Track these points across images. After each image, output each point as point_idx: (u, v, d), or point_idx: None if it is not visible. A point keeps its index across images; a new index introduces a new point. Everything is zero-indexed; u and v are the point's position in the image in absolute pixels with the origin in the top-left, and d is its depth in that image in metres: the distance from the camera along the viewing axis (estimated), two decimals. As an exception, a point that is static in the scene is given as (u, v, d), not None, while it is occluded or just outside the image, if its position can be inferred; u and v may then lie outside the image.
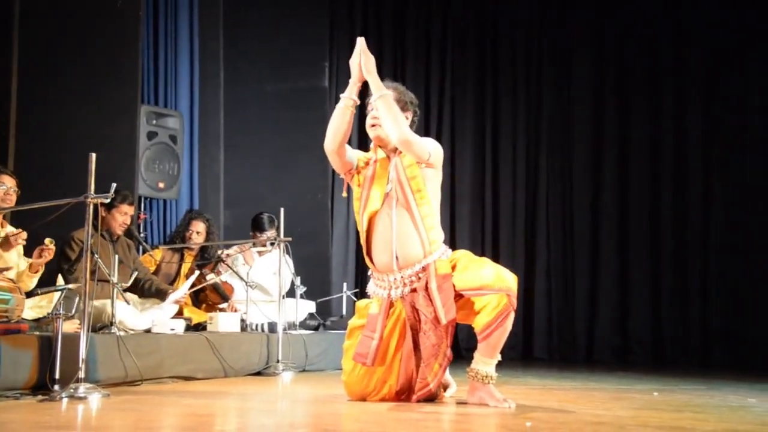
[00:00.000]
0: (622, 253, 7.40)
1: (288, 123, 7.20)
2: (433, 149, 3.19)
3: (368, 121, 3.24)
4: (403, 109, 3.23)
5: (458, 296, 3.06)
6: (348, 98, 3.16)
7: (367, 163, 3.26)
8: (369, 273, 3.31)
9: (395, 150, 3.20)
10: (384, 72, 8.46)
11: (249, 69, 7.21)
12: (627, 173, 7.47)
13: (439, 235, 3.18)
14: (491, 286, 2.98)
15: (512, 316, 3.01)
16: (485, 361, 3.06)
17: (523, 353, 7.31)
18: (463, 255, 3.16)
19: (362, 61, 3.13)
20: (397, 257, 3.12)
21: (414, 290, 3.11)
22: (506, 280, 3.00)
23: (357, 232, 3.36)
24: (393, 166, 3.18)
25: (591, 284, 7.45)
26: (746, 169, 7.13)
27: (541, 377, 4.94)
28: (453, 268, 3.10)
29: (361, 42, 3.16)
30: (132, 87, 5.53)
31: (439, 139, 7.75)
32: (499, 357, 3.09)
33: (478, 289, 3.00)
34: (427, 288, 3.08)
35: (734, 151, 7.21)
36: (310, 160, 7.09)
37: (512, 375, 4.88)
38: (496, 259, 7.29)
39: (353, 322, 3.30)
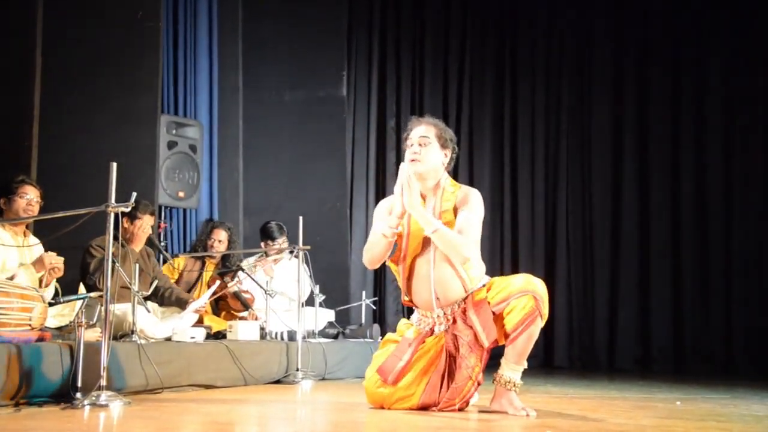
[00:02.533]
0: (642, 261, 7.34)
1: (306, 132, 7.23)
2: (479, 221, 3.13)
3: (407, 156, 3.17)
4: (443, 146, 3.22)
5: (492, 314, 3.06)
6: (390, 229, 3.07)
7: (403, 213, 3.18)
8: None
9: (434, 189, 3.17)
10: (402, 78, 8.50)
11: (267, 78, 7.26)
12: (647, 182, 7.42)
13: (479, 270, 3.18)
14: (519, 289, 3.01)
15: (539, 322, 3.01)
16: (512, 367, 3.07)
17: (543, 362, 7.26)
18: (498, 278, 3.18)
19: (405, 195, 3.05)
20: (437, 298, 3.14)
21: (454, 321, 3.13)
22: (534, 284, 3.02)
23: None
24: (430, 211, 3.15)
25: (611, 292, 7.40)
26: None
27: (562, 386, 4.90)
28: (488, 290, 3.11)
29: (403, 172, 3.08)
30: (152, 97, 5.58)
31: (457, 145, 7.75)
32: (525, 365, 3.10)
33: (507, 297, 3.03)
34: (464, 314, 3.09)
35: (757, 161, 7.13)
36: (329, 168, 7.12)
37: (533, 383, 4.84)
38: (515, 266, 7.29)
39: (390, 335, 3.33)
